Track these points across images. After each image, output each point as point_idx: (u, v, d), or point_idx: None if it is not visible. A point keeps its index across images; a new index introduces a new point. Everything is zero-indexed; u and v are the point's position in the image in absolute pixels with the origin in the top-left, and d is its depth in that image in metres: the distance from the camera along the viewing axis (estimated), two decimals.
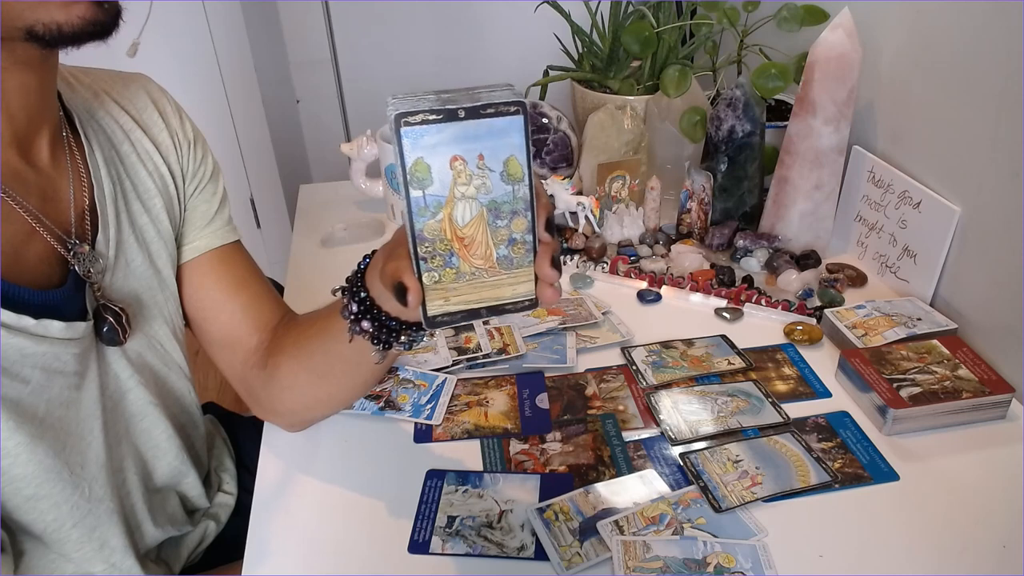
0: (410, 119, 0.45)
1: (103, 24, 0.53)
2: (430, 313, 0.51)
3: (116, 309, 0.63)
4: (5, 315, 0.55)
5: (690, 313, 0.98)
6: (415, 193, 0.47)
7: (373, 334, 0.58)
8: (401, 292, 0.49)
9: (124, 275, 0.67)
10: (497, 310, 0.51)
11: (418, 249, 0.48)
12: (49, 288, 0.60)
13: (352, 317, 0.58)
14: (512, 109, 0.46)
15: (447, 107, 0.45)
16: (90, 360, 0.63)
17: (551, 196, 1.09)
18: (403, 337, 0.59)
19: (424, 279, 0.49)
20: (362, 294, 0.58)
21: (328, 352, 0.66)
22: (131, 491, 0.70)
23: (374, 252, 0.59)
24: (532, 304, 0.52)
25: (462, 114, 0.45)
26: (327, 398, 0.71)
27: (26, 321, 0.56)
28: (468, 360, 0.88)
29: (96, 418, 0.64)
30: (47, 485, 0.60)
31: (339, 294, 0.60)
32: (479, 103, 0.45)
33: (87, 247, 0.63)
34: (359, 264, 0.60)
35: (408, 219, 0.48)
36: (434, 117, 0.45)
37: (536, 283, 0.52)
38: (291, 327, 0.73)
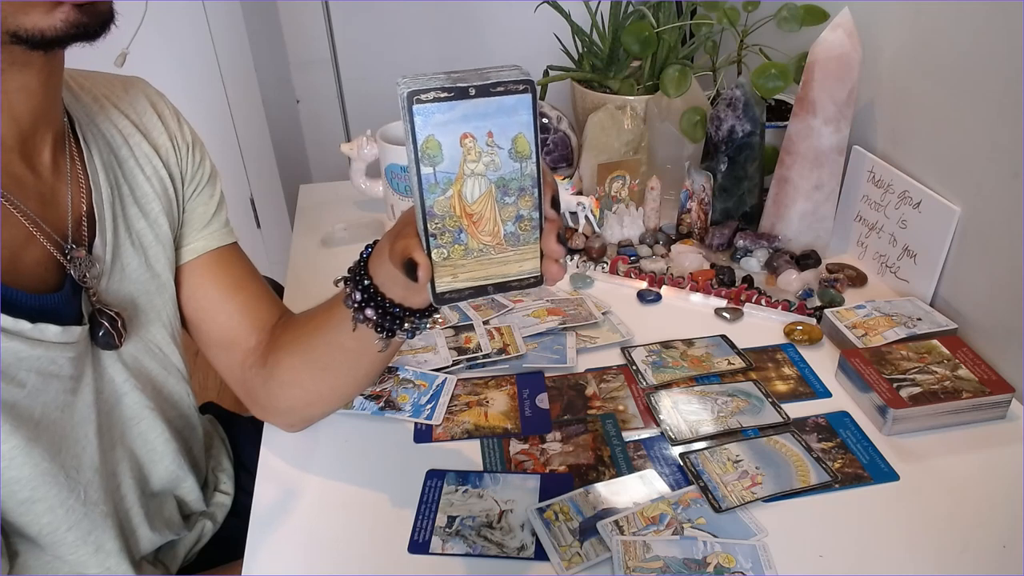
0: (422, 97, 0.45)
1: (87, 27, 0.52)
2: (438, 290, 0.51)
3: (111, 314, 0.63)
4: (2, 319, 0.55)
5: (690, 313, 0.98)
6: (426, 170, 0.47)
7: (377, 321, 0.58)
8: (411, 269, 0.50)
9: (120, 280, 0.67)
10: (503, 287, 0.52)
11: (428, 225, 0.49)
12: (46, 292, 0.60)
13: (356, 305, 0.58)
14: (521, 87, 0.46)
15: (458, 85, 0.45)
16: (85, 364, 0.63)
17: None
18: (406, 324, 0.59)
19: (433, 255, 0.50)
20: (366, 282, 0.58)
21: (330, 344, 0.66)
22: (126, 496, 0.70)
23: (376, 242, 0.59)
24: (538, 281, 0.53)
25: (472, 92, 0.46)
26: (328, 392, 0.71)
27: (23, 325, 0.56)
28: (468, 360, 0.88)
29: (90, 422, 0.64)
30: (42, 488, 0.60)
31: (341, 284, 0.60)
32: (489, 81, 0.46)
33: (83, 252, 0.63)
34: (362, 253, 0.60)
35: (418, 196, 0.48)
36: (445, 95, 0.45)
37: (541, 260, 0.52)
38: (290, 324, 0.73)
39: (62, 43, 0.53)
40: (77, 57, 0.57)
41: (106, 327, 0.63)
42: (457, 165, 0.48)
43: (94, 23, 0.53)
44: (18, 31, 0.51)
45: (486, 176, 0.49)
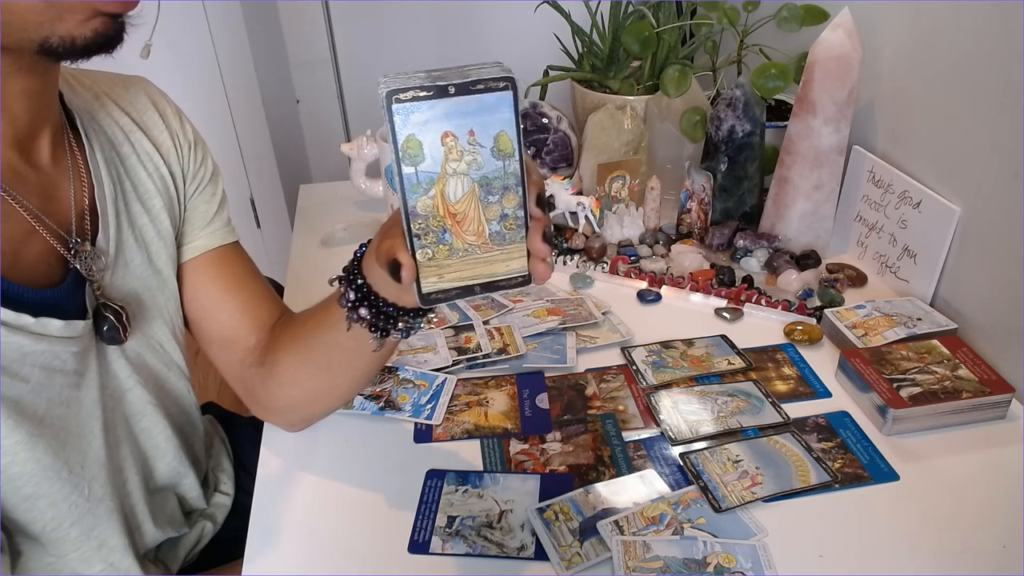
0: (401, 96, 0.45)
1: (112, 37, 0.54)
2: (424, 290, 0.51)
3: (116, 308, 0.63)
4: (5, 313, 0.55)
5: (690, 313, 0.98)
6: (407, 170, 0.47)
7: (371, 321, 0.58)
8: (395, 269, 0.50)
9: (123, 275, 0.67)
10: (491, 286, 0.52)
11: (411, 226, 0.49)
12: (48, 287, 0.60)
13: (349, 305, 0.58)
14: (501, 85, 0.46)
15: (437, 84, 0.45)
16: (89, 359, 0.63)
17: (551, 196, 1.09)
18: (400, 323, 0.59)
19: (418, 256, 0.50)
20: (359, 281, 0.58)
21: (327, 343, 0.66)
22: (131, 491, 0.70)
23: (370, 241, 0.59)
24: (525, 280, 0.52)
25: (452, 90, 0.45)
26: (327, 391, 0.71)
27: (25, 319, 0.57)
28: (468, 360, 0.88)
29: (96, 417, 0.64)
30: (46, 484, 0.60)
31: (336, 283, 0.61)
32: (469, 79, 0.45)
33: (89, 246, 0.63)
34: (356, 252, 0.60)
35: (401, 196, 0.48)
36: (424, 94, 0.45)
37: (528, 259, 0.52)
38: (289, 323, 0.73)
39: (88, 53, 0.54)
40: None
41: (111, 321, 0.63)
42: (439, 164, 0.47)
43: (118, 34, 0.54)
44: (50, 38, 0.51)
45: (468, 175, 0.48)
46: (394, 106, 0.45)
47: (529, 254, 0.52)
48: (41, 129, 0.61)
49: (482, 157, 0.48)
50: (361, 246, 0.60)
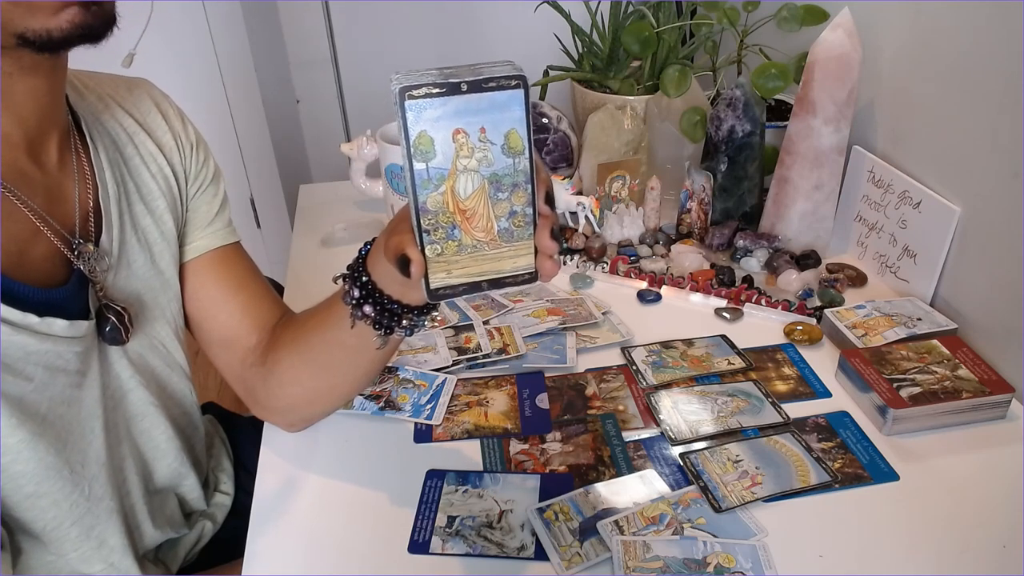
0: (414, 92, 0.45)
1: (92, 28, 0.54)
2: (432, 286, 0.51)
3: (118, 309, 0.64)
4: (9, 312, 0.56)
5: (690, 313, 0.98)
6: (419, 166, 0.47)
7: (375, 318, 0.58)
8: (404, 265, 0.50)
9: (126, 275, 0.68)
10: (498, 283, 0.52)
11: (421, 221, 0.49)
12: (52, 287, 0.60)
13: (354, 302, 0.58)
14: (513, 83, 0.46)
15: (450, 81, 0.45)
16: (92, 359, 0.64)
17: None
18: (404, 321, 0.59)
19: (427, 251, 0.50)
20: (364, 278, 0.58)
21: (329, 342, 0.66)
22: (131, 491, 0.70)
23: (375, 239, 0.59)
24: (532, 277, 0.53)
25: (464, 87, 0.46)
26: (328, 390, 0.71)
27: (30, 319, 0.57)
28: (468, 360, 0.88)
29: (97, 418, 0.65)
30: (47, 483, 0.61)
31: (340, 281, 0.61)
32: (481, 77, 0.46)
33: (92, 246, 0.63)
34: (360, 250, 0.60)
35: (411, 192, 0.48)
36: (437, 91, 0.45)
37: (536, 256, 0.52)
38: (290, 323, 0.73)
39: (68, 44, 0.54)
40: (83, 59, 0.58)
41: (113, 322, 0.63)
42: (450, 161, 0.48)
43: (98, 24, 0.54)
44: (25, 32, 0.52)
45: (479, 172, 0.48)
46: (407, 102, 0.45)
47: (536, 251, 0.52)
48: (49, 131, 0.62)
49: (493, 154, 0.48)
50: (366, 243, 0.60)
